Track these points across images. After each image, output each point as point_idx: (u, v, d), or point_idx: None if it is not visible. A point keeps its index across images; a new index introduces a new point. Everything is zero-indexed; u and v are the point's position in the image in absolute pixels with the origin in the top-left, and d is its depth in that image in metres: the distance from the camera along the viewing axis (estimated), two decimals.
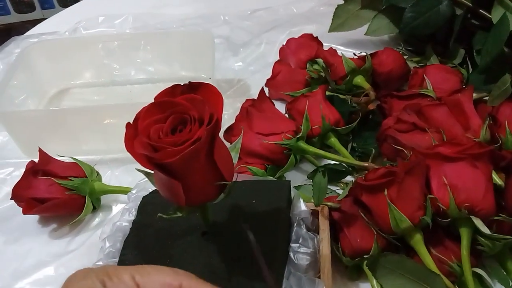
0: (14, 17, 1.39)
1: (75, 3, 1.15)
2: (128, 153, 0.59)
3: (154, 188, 0.44)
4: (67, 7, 1.16)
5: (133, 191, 0.45)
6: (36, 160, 0.52)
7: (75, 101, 0.70)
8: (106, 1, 0.99)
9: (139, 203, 0.43)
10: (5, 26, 1.44)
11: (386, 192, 0.41)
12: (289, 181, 0.42)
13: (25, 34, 0.88)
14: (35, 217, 0.53)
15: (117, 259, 0.38)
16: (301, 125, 0.53)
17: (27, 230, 0.51)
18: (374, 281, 0.42)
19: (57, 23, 0.91)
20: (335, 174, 0.53)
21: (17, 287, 0.46)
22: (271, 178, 0.47)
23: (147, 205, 0.41)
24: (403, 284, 0.41)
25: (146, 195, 0.42)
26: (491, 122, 0.50)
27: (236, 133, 0.54)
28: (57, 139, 0.60)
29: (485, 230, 0.40)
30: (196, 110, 0.28)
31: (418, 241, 0.41)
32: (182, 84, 0.31)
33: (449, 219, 0.41)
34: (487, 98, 0.56)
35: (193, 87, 0.30)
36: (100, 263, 0.38)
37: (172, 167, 0.28)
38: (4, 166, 0.59)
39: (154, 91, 0.77)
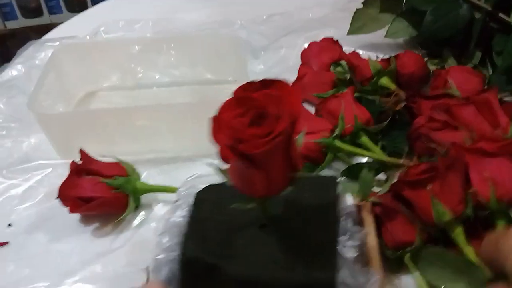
0: (21, 22, 1.40)
1: (83, 8, 1.16)
2: (160, 154, 0.60)
3: (203, 186, 0.46)
4: (74, 12, 1.16)
5: (182, 188, 0.46)
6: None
7: (103, 103, 0.71)
8: (120, 6, 1.00)
9: (189, 199, 0.44)
10: (9, 31, 1.44)
11: (429, 187, 0.43)
12: (336, 176, 0.43)
13: (43, 38, 0.88)
14: (76, 217, 0.53)
15: (176, 253, 0.40)
16: (335, 125, 0.55)
17: (69, 230, 0.52)
18: (417, 273, 0.44)
19: (71, 28, 0.92)
20: None
21: (68, 284, 0.47)
22: (318, 174, 0.49)
23: (202, 200, 0.43)
24: (444, 275, 0.43)
25: (199, 191, 0.44)
26: None
27: None
28: (91, 140, 0.61)
29: None
30: (273, 105, 0.30)
31: (459, 233, 0.43)
32: (255, 81, 0.32)
33: (487, 212, 0.43)
34: (507, 98, 0.59)
35: (267, 84, 0.32)
36: (161, 256, 0.39)
37: (257, 158, 0.29)
38: (39, 167, 0.60)
39: (180, 94, 0.79)
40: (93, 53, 0.72)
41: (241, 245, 0.38)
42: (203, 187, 0.45)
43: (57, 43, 0.84)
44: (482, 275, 0.41)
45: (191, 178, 0.47)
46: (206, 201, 0.42)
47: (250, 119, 0.30)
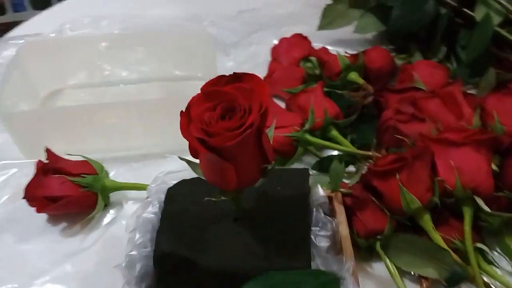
0: None
1: (48, 5, 1.13)
2: (129, 152, 0.59)
3: (175, 181, 0.45)
4: (39, 9, 1.13)
5: (153, 185, 0.46)
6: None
7: (70, 101, 0.69)
8: (85, 3, 0.98)
9: (160, 195, 0.44)
10: None
11: (398, 176, 0.44)
12: (308, 168, 0.44)
13: (6, 36, 0.86)
14: (43, 217, 0.52)
15: (148, 249, 0.39)
16: (305, 119, 0.55)
17: (37, 230, 0.51)
18: (387, 260, 0.45)
19: (36, 25, 0.90)
20: None
21: (38, 285, 0.46)
22: (290, 167, 0.49)
23: (174, 195, 0.42)
24: (414, 261, 0.44)
25: (171, 186, 0.44)
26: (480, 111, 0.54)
27: None
28: (58, 139, 0.59)
29: (486, 208, 0.44)
30: (244, 98, 0.30)
31: (427, 220, 0.44)
32: (226, 75, 0.32)
33: (453, 199, 0.45)
34: (470, 91, 0.61)
35: (238, 78, 0.32)
36: (134, 252, 0.39)
37: (227, 151, 0.29)
38: (4, 167, 0.58)
39: (148, 91, 0.78)
40: (58, 50, 0.71)
41: (215, 238, 0.38)
42: (174, 183, 0.45)
43: (22, 41, 0.81)
44: (450, 259, 0.42)
45: (161, 174, 0.47)
46: (178, 196, 0.42)
47: (221, 113, 0.31)
